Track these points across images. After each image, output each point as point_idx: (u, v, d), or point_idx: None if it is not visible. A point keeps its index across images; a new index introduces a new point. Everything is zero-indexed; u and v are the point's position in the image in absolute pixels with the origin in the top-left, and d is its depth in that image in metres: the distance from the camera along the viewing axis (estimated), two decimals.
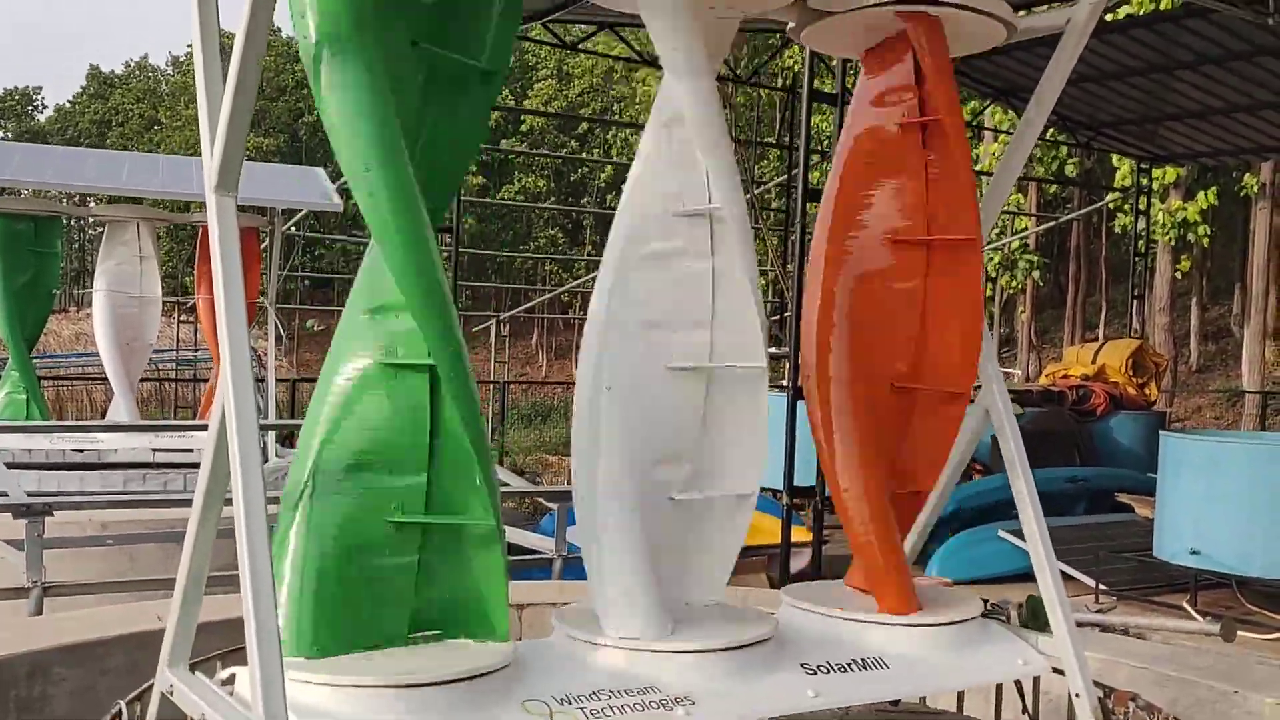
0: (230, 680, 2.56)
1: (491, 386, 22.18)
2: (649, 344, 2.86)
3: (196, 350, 19.33)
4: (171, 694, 2.62)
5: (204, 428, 8.72)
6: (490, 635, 2.63)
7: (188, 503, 6.67)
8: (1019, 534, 8.91)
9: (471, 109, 2.71)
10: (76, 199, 11.39)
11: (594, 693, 2.54)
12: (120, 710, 2.81)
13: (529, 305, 34.62)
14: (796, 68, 9.54)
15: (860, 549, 3.09)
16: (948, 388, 3.13)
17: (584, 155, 39.75)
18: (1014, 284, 26.98)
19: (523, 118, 41.96)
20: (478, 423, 2.58)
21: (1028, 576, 3.34)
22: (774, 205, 19.76)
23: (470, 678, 2.42)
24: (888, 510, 3.07)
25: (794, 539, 9.52)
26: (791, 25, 3.26)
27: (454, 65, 2.63)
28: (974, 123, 20.40)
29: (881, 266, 3.17)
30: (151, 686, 2.79)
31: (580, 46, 14.35)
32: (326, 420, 2.57)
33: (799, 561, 9.41)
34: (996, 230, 27.02)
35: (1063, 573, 3.23)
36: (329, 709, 2.33)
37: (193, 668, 2.71)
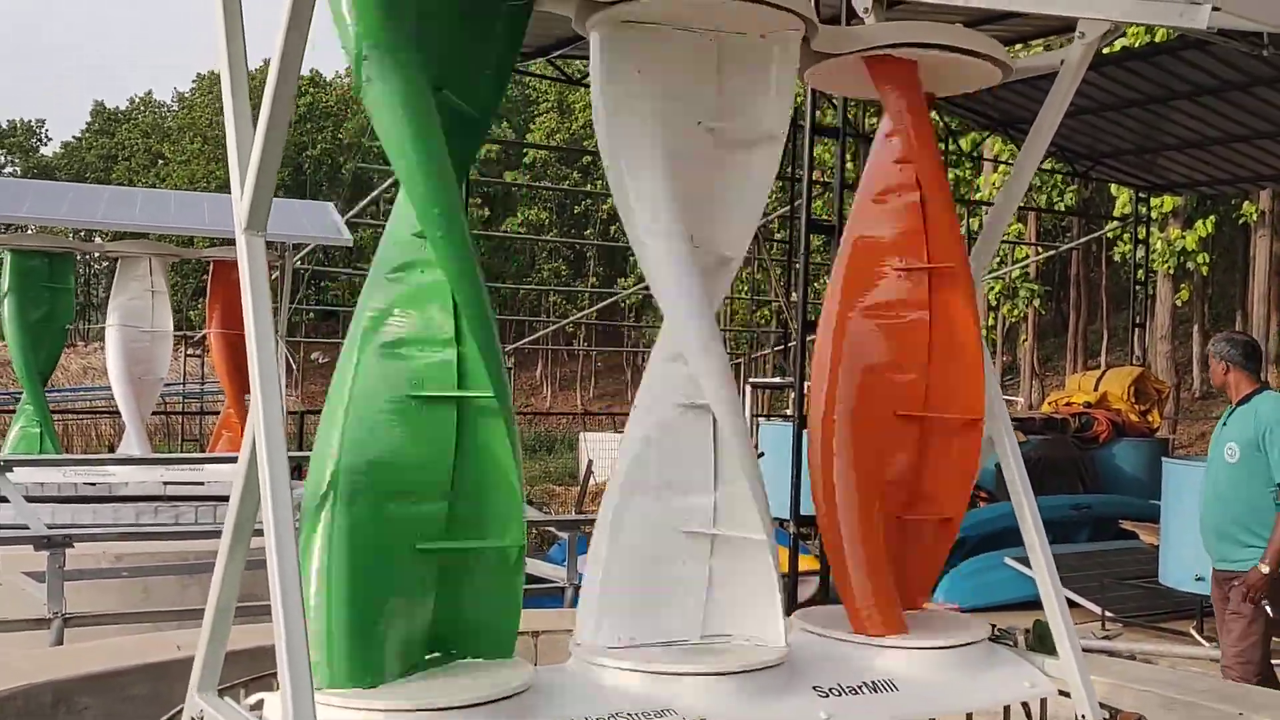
0: (258, 705, 2.63)
1: None
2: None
3: (204, 383, 19.41)
4: (202, 718, 2.69)
5: (215, 460, 8.78)
6: (501, 654, 2.69)
7: (199, 534, 6.73)
8: (1025, 561, 8.98)
9: (466, 155, 2.83)
10: (83, 235, 11.49)
11: (611, 715, 2.61)
12: None
13: (534, 337, 34.74)
14: (800, 101, 9.68)
15: (846, 570, 3.16)
16: (961, 414, 3.23)
17: (587, 188, 40.00)
18: (1015, 313, 27.10)
19: (525, 151, 42.25)
20: (517, 447, 2.67)
21: (1034, 604, 3.41)
22: (777, 236, 19.91)
23: (493, 701, 2.49)
24: (879, 534, 3.16)
25: (801, 567, 9.58)
26: (797, 67, 3.37)
27: (453, 112, 2.71)
28: (974, 153, 20.57)
29: (889, 297, 3.28)
30: (180, 712, 2.86)
31: (584, 81, 14.55)
32: (345, 445, 2.61)
33: (806, 590, 9.46)
34: (997, 260, 27.17)
35: (1068, 600, 3.31)
36: None
37: (221, 695, 2.78)
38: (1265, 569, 5.70)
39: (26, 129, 64.17)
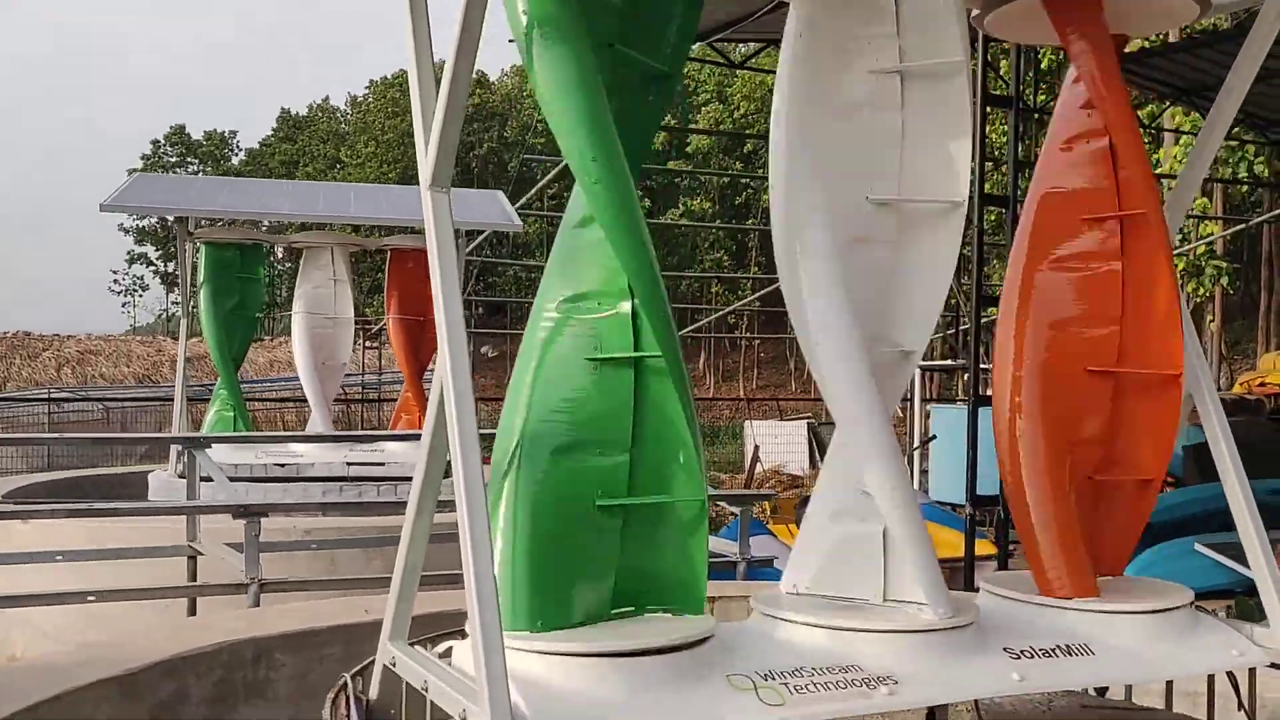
0: (447, 653, 2.70)
1: None
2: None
3: (381, 374, 20.14)
4: (394, 665, 2.77)
5: (394, 438, 9.08)
6: (689, 608, 2.69)
7: (381, 509, 6.98)
8: (1217, 548, 8.51)
9: (650, 112, 2.80)
10: (265, 228, 12.06)
11: (796, 669, 2.57)
12: (345, 682, 2.98)
13: (695, 326, 34.79)
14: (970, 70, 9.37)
15: (1032, 529, 3.04)
16: (1159, 369, 3.07)
17: (749, 176, 39.85)
18: (1201, 292, 25.75)
19: (689, 139, 42.34)
20: (690, 405, 2.67)
21: (1227, 593, 3.22)
22: None
23: (677, 648, 2.48)
24: (1067, 494, 3.02)
25: (978, 552, 9.33)
26: (976, 13, 3.26)
27: (636, 68, 2.73)
28: (1153, 125, 19.62)
29: (1078, 249, 3.14)
30: (372, 662, 2.96)
31: (746, 65, 14.45)
32: (533, 405, 2.66)
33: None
34: (1180, 236, 25.87)
35: None
36: (545, 677, 2.43)
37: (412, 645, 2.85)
38: None
39: (220, 139, 67.78)
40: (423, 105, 2.58)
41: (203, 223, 10.24)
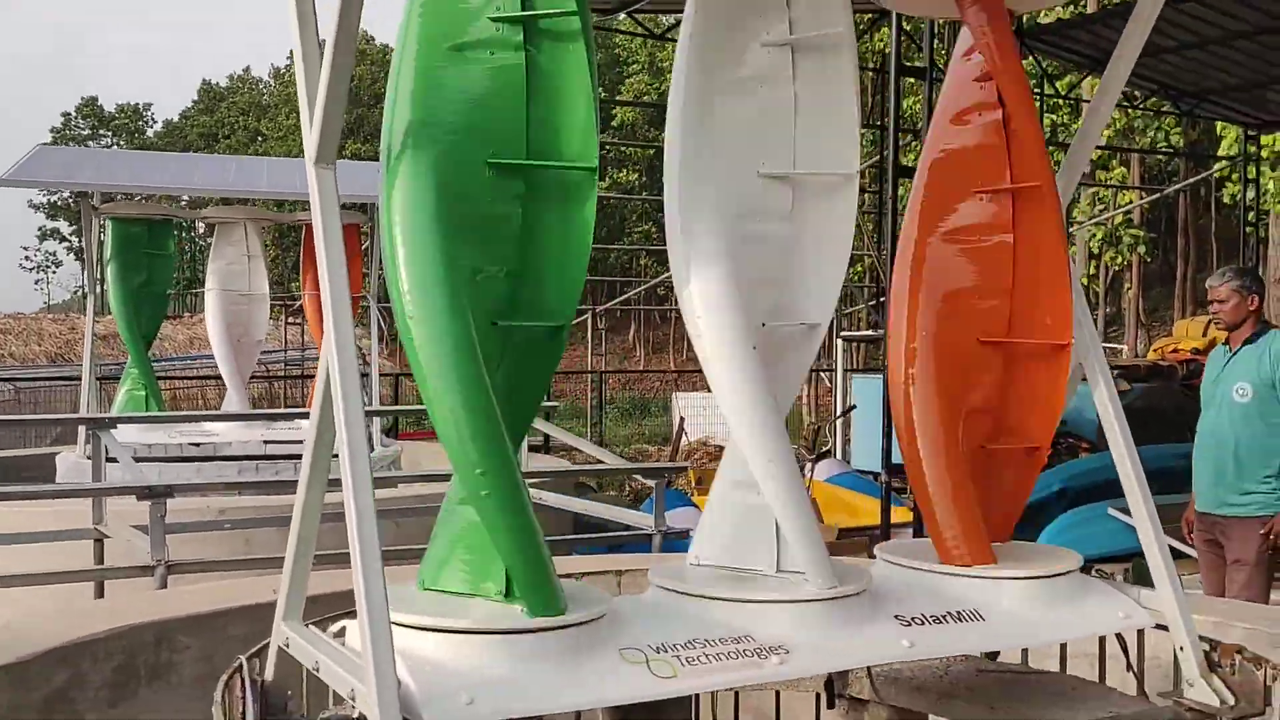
0: (341, 633, 2.68)
1: (589, 378, 22.37)
2: None
3: (304, 350, 19.88)
4: (288, 646, 2.75)
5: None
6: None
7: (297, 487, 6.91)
8: (1128, 510, 8.74)
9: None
10: (185, 204, 11.83)
11: (689, 642, 2.59)
12: (241, 664, 2.94)
13: (624, 298, 34.81)
14: (888, 49, 9.47)
15: (929, 500, 3.09)
16: (1046, 339, 3.13)
17: None
18: (1119, 260, 26.32)
19: (614, 111, 42.20)
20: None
21: (1138, 554, 3.30)
22: (870, 189, 19.57)
23: (569, 625, 2.48)
24: (963, 464, 3.07)
25: (894, 519, 9.48)
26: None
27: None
28: (1071, 95, 19.95)
29: (970, 222, 3.18)
30: (268, 644, 2.93)
31: (669, 36, 14.43)
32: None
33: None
34: (1100, 206, 26.37)
35: (1172, 549, 3.18)
36: (434, 654, 2.42)
37: (307, 626, 2.83)
38: None
39: (134, 111, 66.13)
40: (307, 80, 2.53)
41: (119, 196, 9.98)
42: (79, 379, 9.83)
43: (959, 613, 2.91)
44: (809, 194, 3.04)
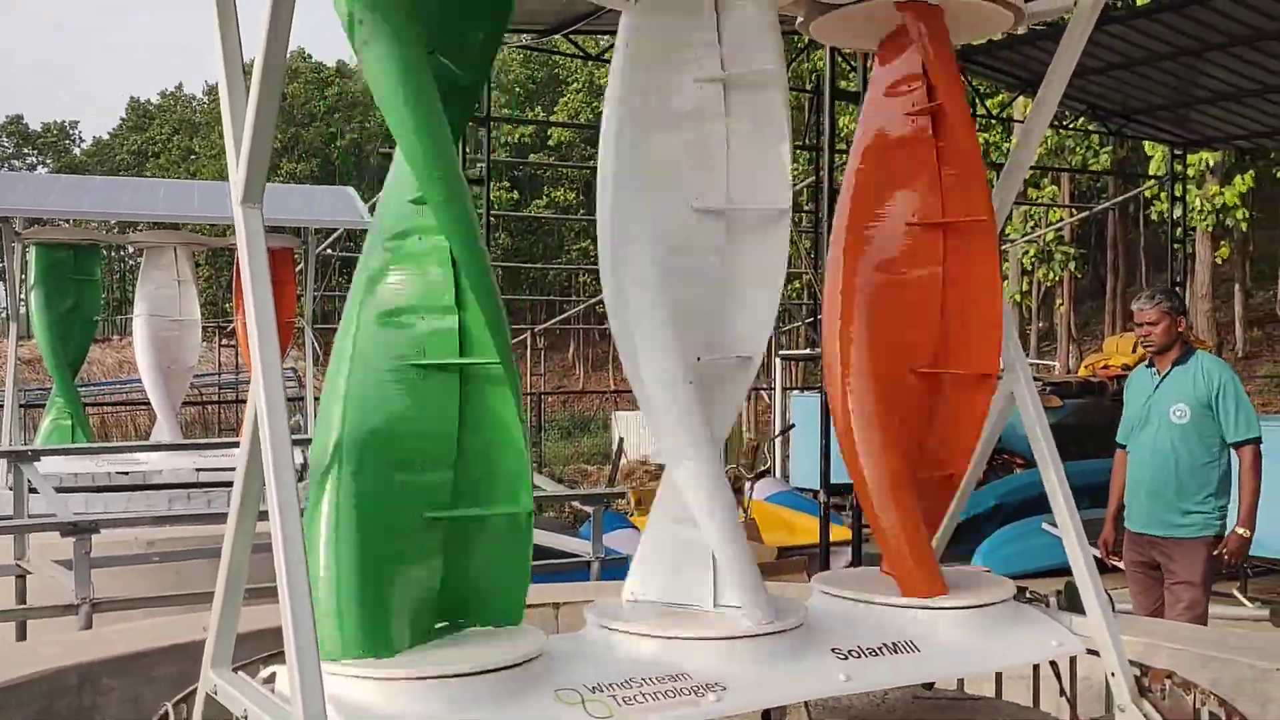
0: (271, 679, 2.62)
1: (529, 398, 22.27)
2: None
3: (239, 373, 19.56)
4: (215, 694, 2.68)
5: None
6: (510, 620, 2.66)
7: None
8: None
9: (454, 127, 2.71)
10: (115, 228, 11.60)
11: (626, 680, 2.57)
12: (167, 712, 2.87)
13: (564, 316, 34.73)
14: (820, 66, 9.56)
15: (883, 534, 3.11)
16: (973, 370, 3.15)
17: None
18: (1051, 277, 26.77)
19: (549, 131, 42.19)
20: (520, 410, 2.63)
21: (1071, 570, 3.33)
22: (806, 208, 19.72)
23: (504, 668, 2.45)
24: (910, 495, 3.09)
25: (833, 538, 9.53)
26: (800, 20, 3.29)
27: (445, 79, 2.63)
28: (1003, 114, 20.30)
29: (899, 253, 3.20)
30: (196, 689, 2.86)
31: (605, 58, 14.45)
32: (350, 417, 2.58)
33: (839, 561, 9.41)
34: (1031, 224, 26.85)
35: (1102, 564, 3.23)
36: (365, 701, 2.38)
37: (236, 671, 2.76)
38: (1246, 533, 5.62)
39: (60, 130, 64.80)
40: (233, 118, 2.48)
41: (58, 221, 9.77)
42: (1, 406, 9.54)
43: (895, 644, 2.92)
44: (742, 228, 3.04)
